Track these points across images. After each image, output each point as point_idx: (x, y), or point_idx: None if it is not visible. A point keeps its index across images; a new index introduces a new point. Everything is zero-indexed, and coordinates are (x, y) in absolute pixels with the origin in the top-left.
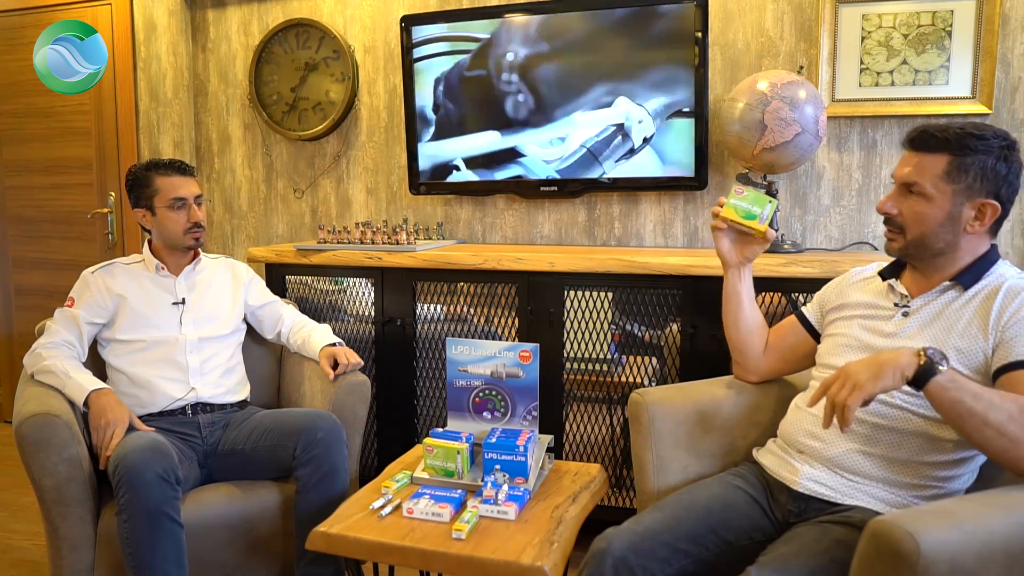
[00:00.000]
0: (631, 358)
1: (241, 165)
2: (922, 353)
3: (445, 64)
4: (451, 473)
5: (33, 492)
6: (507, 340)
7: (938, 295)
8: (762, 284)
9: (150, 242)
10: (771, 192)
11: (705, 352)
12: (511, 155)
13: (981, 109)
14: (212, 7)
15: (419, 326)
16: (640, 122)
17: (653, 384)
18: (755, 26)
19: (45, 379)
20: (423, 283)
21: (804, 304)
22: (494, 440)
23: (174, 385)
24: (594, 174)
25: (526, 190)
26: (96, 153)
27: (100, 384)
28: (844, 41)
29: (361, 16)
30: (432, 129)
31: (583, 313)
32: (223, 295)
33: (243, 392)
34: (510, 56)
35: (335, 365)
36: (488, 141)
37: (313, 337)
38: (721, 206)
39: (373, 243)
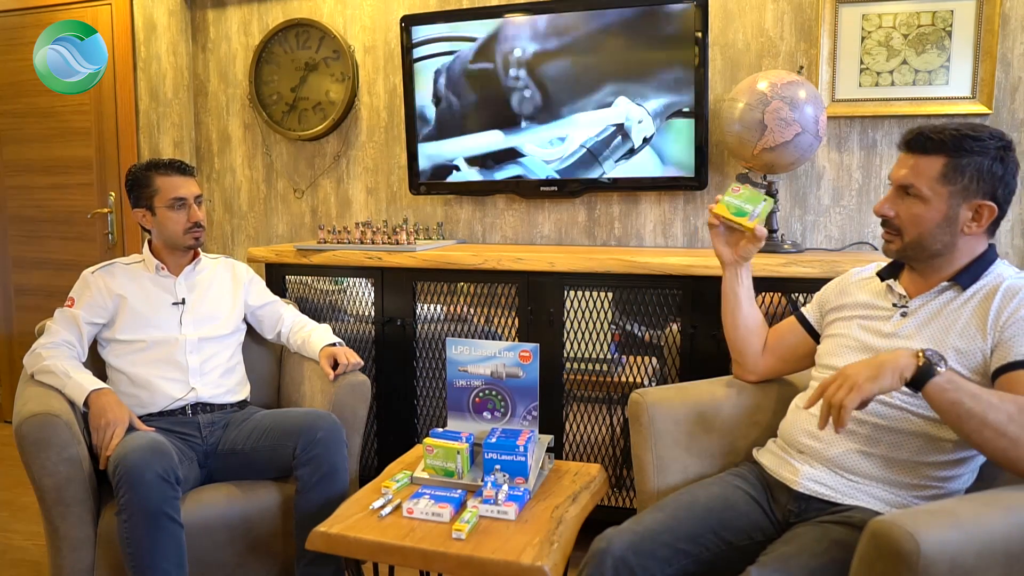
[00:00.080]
0: (631, 358)
1: (241, 165)
2: (921, 354)
3: (445, 61)
4: (451, 473)
5: (33, 492)
6: (507, 340)
7: (936, 295)
8: (762, 284)
9: (150, 242)
10: (770, 192)
11: (705, 352)
12: (511, 155)
13: (981, 109)
14: (212, 7)
15: (419, 326)
16: (640, 122)
17: (653, 384)
18: (755, 26)
19: (45, 379)
20: (423, 283)
21: (804, 304)
22: (494, 440)
23: (174, 385)
24: (594, 174)
25: (526, 190)
26: (96, 153)
27: (100, 384)
28: (844, 41)
29: (361, 16)
30: (432, 127)
31: (583, 313)
32: (223, 295)
33: (243, 392)
34: (503, 55)
35: (335, 365)
36: (489, 141)
37: (313, 337)
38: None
39: (373, 243)
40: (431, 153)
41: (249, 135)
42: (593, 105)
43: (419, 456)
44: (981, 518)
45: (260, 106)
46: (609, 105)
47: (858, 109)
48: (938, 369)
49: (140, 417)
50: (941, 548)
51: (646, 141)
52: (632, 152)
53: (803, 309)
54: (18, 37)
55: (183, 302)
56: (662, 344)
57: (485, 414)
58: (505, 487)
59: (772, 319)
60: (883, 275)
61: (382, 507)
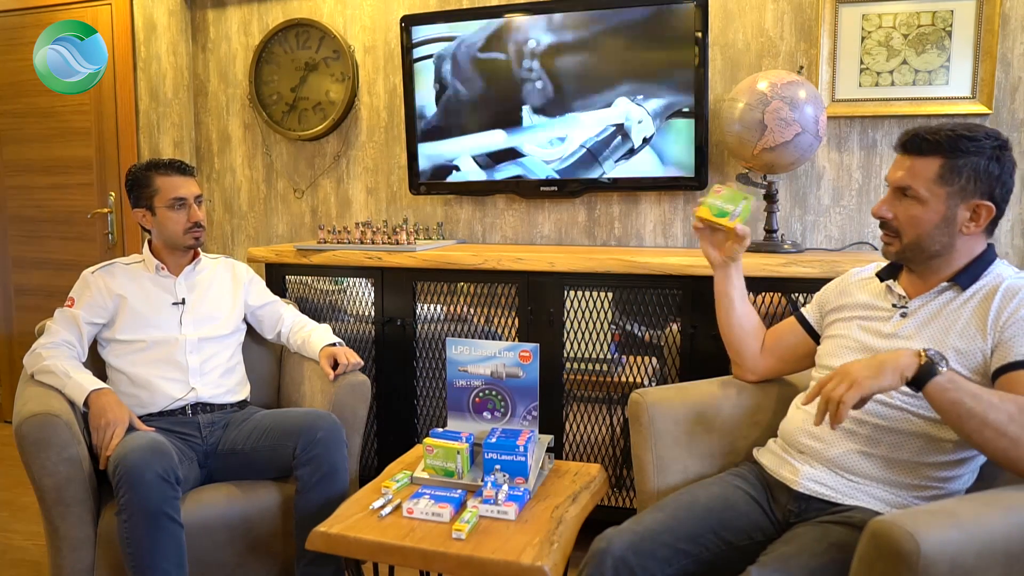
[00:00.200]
0: (631, 358)
1: (241, 165)
2: (923, 354)
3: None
4: (451, 473)
5: (33, 492)
6: (507, 340)
7: (936, 296)
8: (762, 284)
9: (150, 242)
10: (770, 192)
11: (705, 352)
12: (511, 155)
13: (981, 109)
14: (212, 7)
15: (419, 326)
16: (640, 122)
17: (653, 384)
18: (755, 26)
19: (45, 379)
20: (423, 283)
21: (804, 304)
22: (494, 440)
23: (174, 385)
24: (594, 174)
25: (526, 190)
26: (96, 153)
27: (100, 384)
28: (844, 41)
29: (361, 16)
30: (432, 126)
31: (583, 313)
32: (223, 295)
33: (243, 392)
34: (500, 55)
35: (335, 365)
36: (491, 141)
37: (313, 337)
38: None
39: (373, 243)
40: (431, 153)
41: (249, 135)
42: (595, 105)
43: (419, 456)
44: (981, 518)
45: (260, 106)
46: (609, 105)
47: (858, 109)
48: (940, 369)
49: (140, 417)
50: (941, 548)
51: (646, 141)
52: (632, 152)
53: (803, 309)
54: (18, 37)
55: (183, 302)
56: (662, 344)
57: (485, 414)
58: (505, 487)
59: (772, 319)
60: (882, 276)
61: (382, 507)
